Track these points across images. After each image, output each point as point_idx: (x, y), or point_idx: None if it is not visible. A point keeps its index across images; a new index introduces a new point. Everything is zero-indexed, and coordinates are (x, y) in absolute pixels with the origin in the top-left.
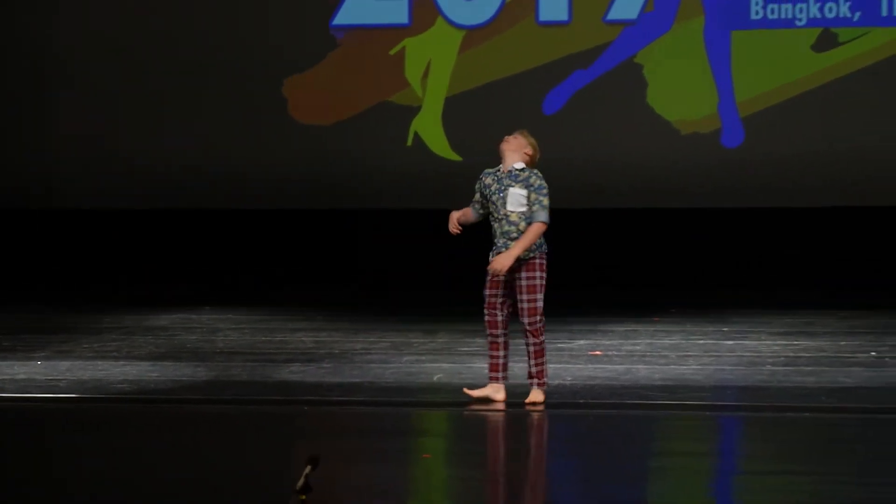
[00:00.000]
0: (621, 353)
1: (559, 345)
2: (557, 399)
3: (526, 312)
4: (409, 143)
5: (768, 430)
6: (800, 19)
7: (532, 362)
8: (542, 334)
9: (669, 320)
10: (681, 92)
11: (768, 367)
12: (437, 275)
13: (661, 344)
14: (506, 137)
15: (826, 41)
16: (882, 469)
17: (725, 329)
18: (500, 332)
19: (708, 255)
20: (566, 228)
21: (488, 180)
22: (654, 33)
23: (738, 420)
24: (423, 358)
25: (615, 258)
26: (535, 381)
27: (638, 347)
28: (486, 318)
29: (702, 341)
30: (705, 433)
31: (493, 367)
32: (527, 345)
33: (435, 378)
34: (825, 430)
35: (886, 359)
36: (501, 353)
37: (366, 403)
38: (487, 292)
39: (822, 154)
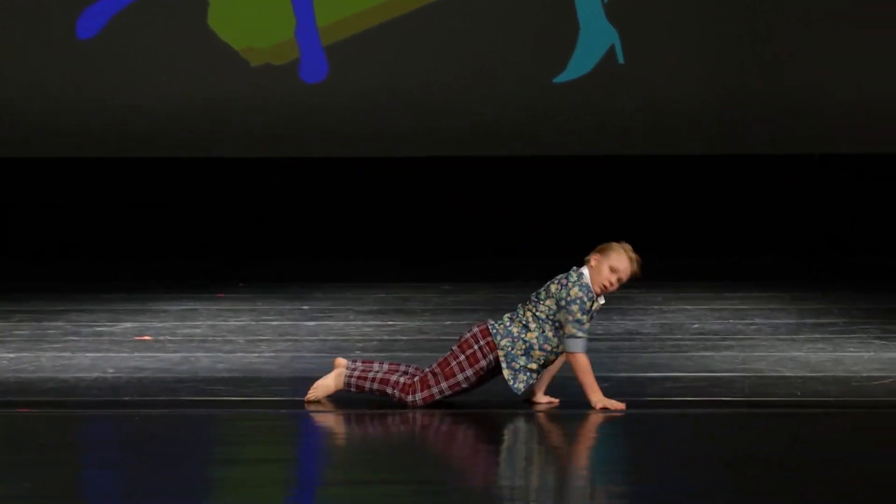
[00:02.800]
0: (177, 339)
1: (97, 328)
2: (96, 396)
3: (433, 371)
4: None
5: (358, 431)
6: None
7: (377, 370)
8: (409, 394)
9: (237, 296)
10: (249, 14)
11: (358, 352)
12: None
13: (226, 326)
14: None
15: None
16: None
17: (306, 307)
18: (395, 369)
19: (280, 217)
20: (120, 181)
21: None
22: None
23: (323, 420)
24: None
25: (174, 217)
26: (351, 372)
27: (198, 331)
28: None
29: (276, 322)
30: (282, 436)
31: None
32: (404, 373)
33: None
34: (429, 430)
35: None
36: (378, 368)
37: None
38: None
39: (418, 91)
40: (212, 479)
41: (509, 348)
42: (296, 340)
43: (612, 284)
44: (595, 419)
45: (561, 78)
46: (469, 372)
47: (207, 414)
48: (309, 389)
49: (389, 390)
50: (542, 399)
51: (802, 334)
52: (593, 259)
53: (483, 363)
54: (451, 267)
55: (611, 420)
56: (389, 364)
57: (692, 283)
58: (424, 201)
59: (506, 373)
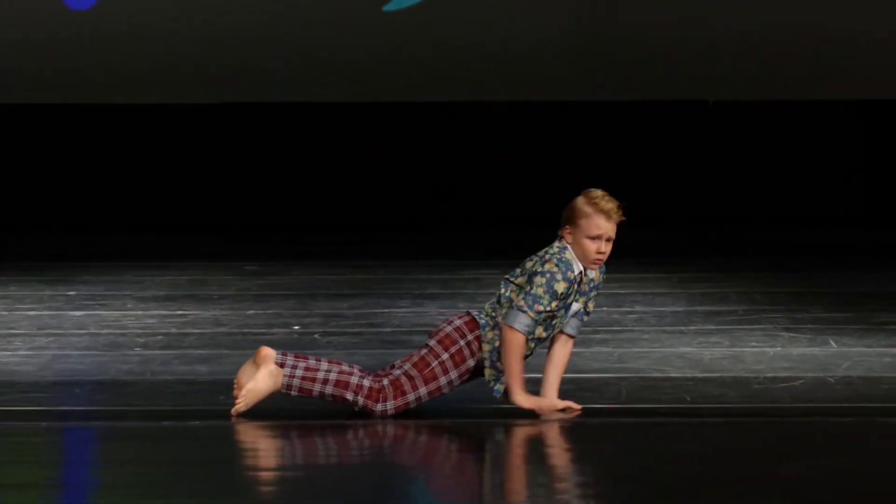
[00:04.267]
0: None
1: None
2: None
3: (407, 374)
4: None
5: (146, 447)
6: None
7: (327, 369)
8: (379, 402)
9: None
10: None
11: (139, 350)
12: None
13: None
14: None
15: None
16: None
17: (71, 293)
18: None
19: (37, 177)
20: None
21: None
22: None
23: (93, 433)
24: None
25: None
26: (292, 371)
27: None
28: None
29: (34, 312)
30: (42, 455)
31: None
32: (363, 375)
33: None
34: (215, 443)
35: (316, 335)
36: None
37: None
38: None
39: (211, 23)
40: None
41: (496, 342)
42: (59, 335)
43: (602, 253)
44: (435, 430)
45: (392, 6)
46: (453, 374)
47: None
48: (236, 396)
49: (350, 396)
50: (559, 404)
51: (693, 325)
52: (566, 234)
53: (471, 363)
54: (257, 241)
55: (439, 432)
56: (329, 361)
57: None
58: (221, 158)
59: (487, 372)
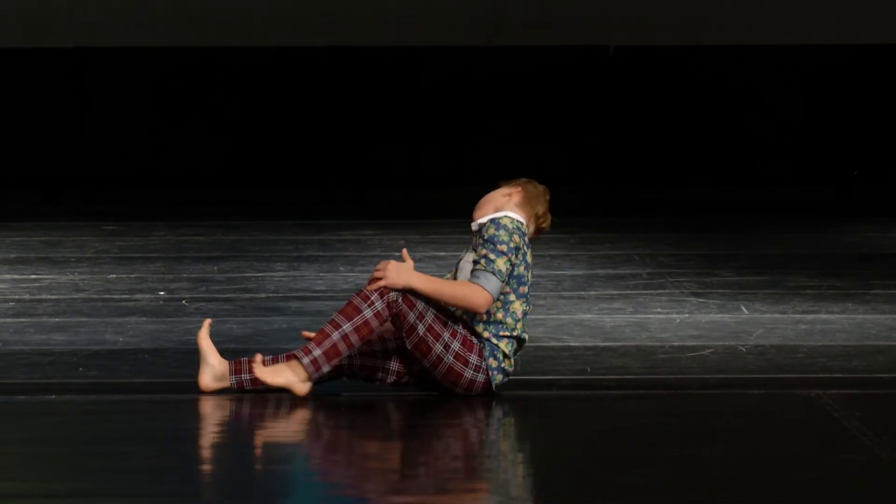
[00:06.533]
0: None
1: None
2: None
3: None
4: None
5: None
6: None
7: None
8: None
9: None
10: None
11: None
12: None
13: None
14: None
15: None
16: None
17: None
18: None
19: None
20: None
21: None
22: None
23: None
24: None
25: None
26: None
27: None
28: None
29: None
30: None
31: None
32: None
33: None
34: (74, 419)
35: (183, 301)
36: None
37: None
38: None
39: None
40: None
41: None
42: None
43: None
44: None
45: None
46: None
47: None
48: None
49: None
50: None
51: (593, 290)
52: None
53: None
54: (117, 197)
55: (334, 407)
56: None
57: (443, 221)
58: (68, 101)
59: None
